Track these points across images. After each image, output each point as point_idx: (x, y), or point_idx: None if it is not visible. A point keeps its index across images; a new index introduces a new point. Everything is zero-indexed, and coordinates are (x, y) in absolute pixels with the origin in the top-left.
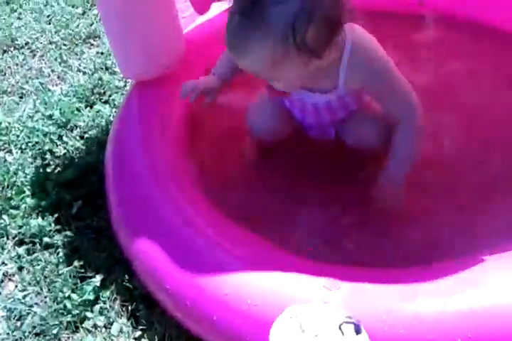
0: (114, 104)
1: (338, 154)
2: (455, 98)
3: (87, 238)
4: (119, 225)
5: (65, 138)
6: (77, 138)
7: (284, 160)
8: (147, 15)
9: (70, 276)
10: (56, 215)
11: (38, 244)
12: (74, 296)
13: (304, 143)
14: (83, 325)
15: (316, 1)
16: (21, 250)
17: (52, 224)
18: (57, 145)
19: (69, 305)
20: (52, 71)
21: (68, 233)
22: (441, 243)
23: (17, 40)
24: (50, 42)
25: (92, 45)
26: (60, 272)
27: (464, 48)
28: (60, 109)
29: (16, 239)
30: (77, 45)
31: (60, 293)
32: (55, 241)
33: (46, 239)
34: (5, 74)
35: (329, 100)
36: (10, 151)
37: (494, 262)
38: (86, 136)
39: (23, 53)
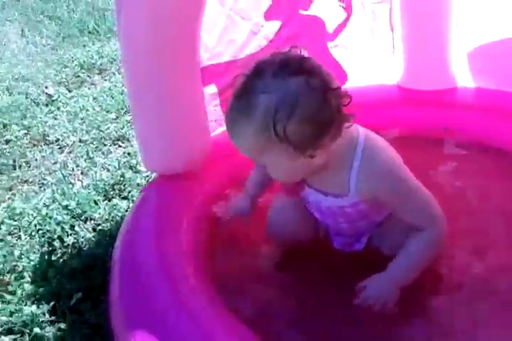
0: (133, 200)
1: (362, 266)
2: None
3: (81, 334)
4: (117, 321)
5: (77, 228)
6: (90, 229)
7: (303, 266)
8: (179, 111)
9: None
10: (52, 305)
11: (26, 335)
12: None
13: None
14: None
15: (297, 98)
16: (7, 340)
17: (47, 314)
18: (68, 235)
19: None
20: (77, 166)
21: (62, 325)
22: None
23: (48, 137)
24: (80, 141)
25: (120, 146)
26: None
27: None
28: (78, 200)
29: (5, 326)
30: (105, 145)
31: None
32: (46, 334)
33: (36, 330)
34: (30, 165)
35: (343, 206)
36: (19, 237)
37: None
38: (99, 228)
39: (51, 148)
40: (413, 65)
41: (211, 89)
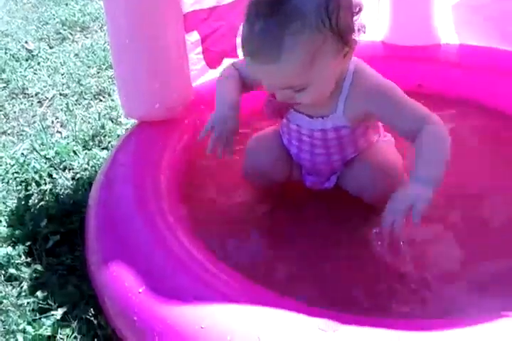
0: None
1: (335, 204)
2: None
3: (57, 274)
4: (92, 258)
5: (55, 176)
6: (68, 177)
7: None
8: (161, 58)
9: (29, 309)
10: (29, 247)
11: (2, 275)
12: (29, 329)
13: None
14: None
15: None
16: None
17: (23, 256)
18: (45, 182)
19: (21, 340)
20: (56, 118)
21: (38, 267)
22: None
23: (27, 90)
24: (60, 94)
25: (100, 100)
26: (19, 303)
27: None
28: (56, 150)
29: None
30: (85, 99)
31: (14, 326)
32: (21, 274)
33: (12, 271)
34: (8, 117)
35: (324, 128)
36: None
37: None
38: (78, 176)
39: (31, 101)
40: (397, 20)
41: (193, 37)
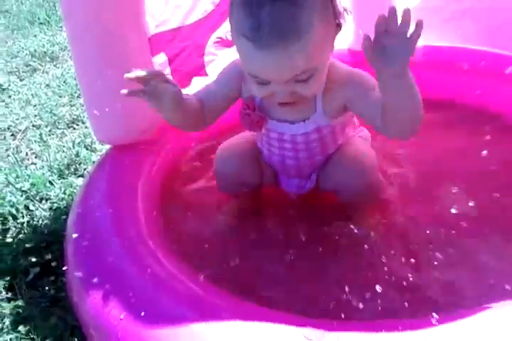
0: None
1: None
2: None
3: (40, 307)
4: (73, 288)
5: (32, 208)
6: (45, 208)
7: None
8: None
9: None
10: (9, 282)
11: None
12: None
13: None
14: None
15: None
16: None
17: (3, 291)
18: (23, 215)
19: None
20: (31, 150)
21: (19, 302)
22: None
23: None
24: (33, 126)
25: (74, 129)
26: (1, 340)
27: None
28: (32, 182)
29: None
30: (59, 128)
31: None
32: (3, 310)
33: None
34: None
35: (307, 132)
36: None
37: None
38: (55, 206)
39: (3, 135)
40: (361, 27)
41: (161, 58)
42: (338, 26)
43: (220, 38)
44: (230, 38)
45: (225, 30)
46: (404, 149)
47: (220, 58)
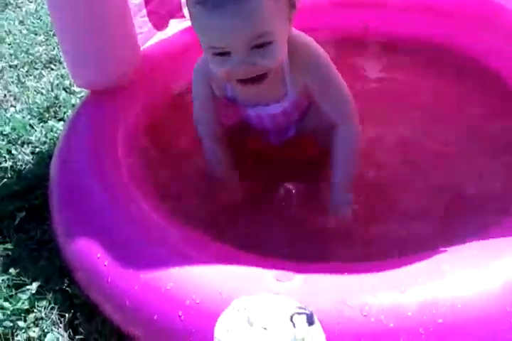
0: None
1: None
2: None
3: (28, 249)
4: (59, 230)
5: (14, 152)
6: (28, 152)
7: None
8: (103, 25)
9: (4, 286)
10: None
11: None
12: (6, 305)
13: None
14: (15, 337)
15: None
16: None
17: None
18: (5, 159)
19: (0, 316)
20: (9, 92)
21: (8, 245)
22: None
23: None
24: (10, 66)
25: (52, 69)
26: None
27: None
28: (12, 125)
29: None
30: (36, 69)
31: None
32: None
33: None
34: None
35: (284, 108)
36: None
37: (453, 254)
38: (37, 150)
39: None
40: None
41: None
42: (292, 5)
43: None
44: None
45: None
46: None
47: None
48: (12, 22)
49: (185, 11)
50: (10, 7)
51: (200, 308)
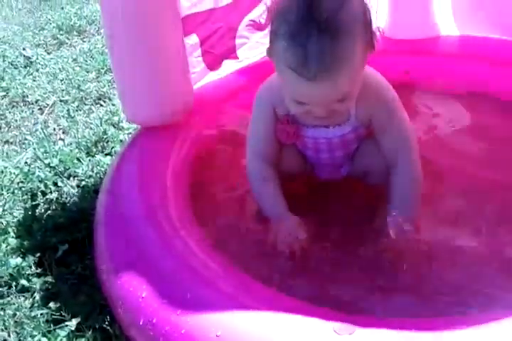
0: None
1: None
2: None
3: (69, 284)
4: (103, 266)
5: (60, 184)
6: (73, 185)
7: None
8: (159, 62)
9: (43, 320)
10: (38, 258)
11: (13, 287)
12: None
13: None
14: None
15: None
16: None
17: (33, 267)
18: (51, 191)
19: None
20: (58, 125)
21: (49, 278)
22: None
23: (27, 98)
24: (61, 101)
25: (101, 105)
26: (32, 315)
27: None
28: (60, 158)
29: None
30: (86, 104)
31: (30, 338)
32: (33, 285)
33: (23, 282)
34: (10, 126)
35: (344, 133)
36: (1, 195)
37: None
38: (83, 183)
39: (31, 109)
40: (396, 14)
41: (192, 40)
42: (373, 46)
43: (253, 20)
44: (262, 21)
45: (258, 13)
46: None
47: (252, 41)
48: (66, 60)
49: (239, 52)
50: (65, 45)
51: None
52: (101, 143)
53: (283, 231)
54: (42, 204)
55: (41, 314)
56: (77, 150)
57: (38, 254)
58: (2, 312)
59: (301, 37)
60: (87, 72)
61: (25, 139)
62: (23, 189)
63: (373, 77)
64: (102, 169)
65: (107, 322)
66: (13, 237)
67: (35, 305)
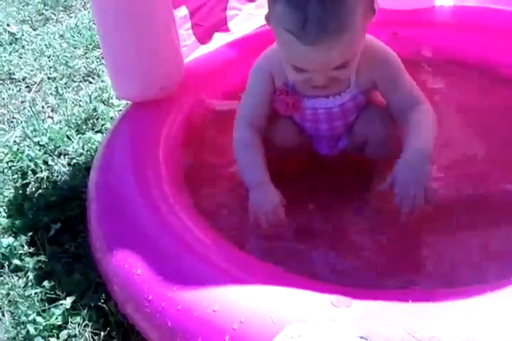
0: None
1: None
2: None
3: (62, 262)
4: (97, 244)
5: (50, 163)
6: (64, 163)
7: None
8: (148, 36)
9: (37, 299)
10: (30, 237)
11: (6, 267)
12: (39, 320)
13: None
14: None
15: None
16: None
17: (25, 246)
18: (41, 170)
19: (32, 330)
20: (47, 103)
21: (42, 257)
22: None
23: (14, 75)
24: (48, 78)
25: (90, 82)
26: (26, 294)
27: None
28: (49, 136)
29: None
30: (74, 81)
31: (24, 317)
32: (26, 265)
33: (16, 261)
34: None
35: (343, 102)
36: None
37: None
38: (74, 161)
39: (18, 87)
40: None
41: (182, 12)
42: (373, 12)
43: None
44: None
45: None
46: None
47: (244, 13)
48: (52, 36)
49: (230, 24)
50: (50, 21)
51: (249, 333)
52: (91, 121)
53: (261, 206)
54: (33, 183)
55: (35, 293)
56: (66, 128)
57: (30, 233)
58: None
59: (301, 0)
60: (75, 48)
61: (14, 117)
62: (12, 168)
63: (374, 41)
64: (93, 146)
65: (102, 300)
66: (4, 217)
67: (29, 284)
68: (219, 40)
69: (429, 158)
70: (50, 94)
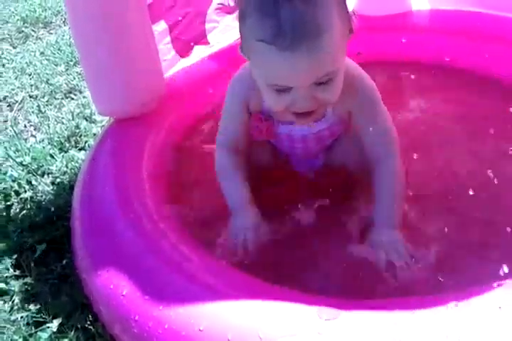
0: None
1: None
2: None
3: (49, 284)
4: (82, 265)
5: (34, 183)
6: (48, 183)
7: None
8: (128, 52)
9: (23, 323)
10: (16, 259)
11: None
12: None
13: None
14: None
15: None
16: None
17: (11, 269)
18: (25, 190)
19: None
20: (29, 122)
21: (28, 279)
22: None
23: None
24: (30, 96)
25: (72, 99)
26: (12, 319)
27: None
28: (32, 156)
29: None
30: (56, 98)
31: None
32: (11, 288)
33: (1, 285)
34: None
35: (319, 130)
36: None
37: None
38: (58, 180)
39: (0, 106)
40: None
41: (161, 26)
42: (350, 31)
43: (222, 4)
44: (231, 3)
45: None
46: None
47: (222, 25)
48: (33, 53)
49: (210, 37)
50: (31, 39)
51: None
52: (74, 138)
53: (235, 228)
54: (16, 204)
55: (21, 317)
56: (49, 147)
57: (15, 256)
58: None
59: (271, 7)
60: (56, 65)
61: None
62: None
63: (353, 69)
64: (77, 165)
65: (89, 322)
66: None
67: (15, 308)
68: (199, 53)
69: (397, 228)
70: (32, 112)
